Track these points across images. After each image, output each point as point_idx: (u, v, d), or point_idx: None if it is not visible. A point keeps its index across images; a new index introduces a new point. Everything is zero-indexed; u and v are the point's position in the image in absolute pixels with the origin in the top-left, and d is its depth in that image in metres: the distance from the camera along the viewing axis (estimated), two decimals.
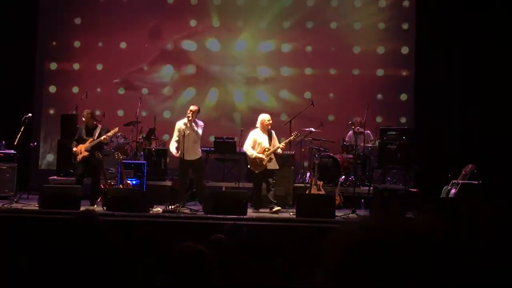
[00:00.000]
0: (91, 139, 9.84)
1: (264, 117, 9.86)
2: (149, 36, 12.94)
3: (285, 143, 9.84)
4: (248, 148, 9.79)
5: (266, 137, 9.79)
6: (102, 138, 9.82)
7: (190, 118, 9.67)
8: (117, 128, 10.06)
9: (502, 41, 11.32)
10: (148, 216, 8.95)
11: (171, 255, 2.75)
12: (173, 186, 10.45)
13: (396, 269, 1.14)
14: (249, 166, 9.96)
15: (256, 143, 9.78)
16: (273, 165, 9.82)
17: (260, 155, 9.67)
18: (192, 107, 9.87)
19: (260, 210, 9.69)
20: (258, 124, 9.89)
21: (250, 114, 12.13)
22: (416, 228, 1.21)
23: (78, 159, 9.89)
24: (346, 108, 12.46)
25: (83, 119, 10.09)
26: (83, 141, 9.90)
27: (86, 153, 9.79)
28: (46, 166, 12.60)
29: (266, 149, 9.69)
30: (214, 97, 12.92)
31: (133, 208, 8.91)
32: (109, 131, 9.90)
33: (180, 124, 9.85)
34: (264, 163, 9.68)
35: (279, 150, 9.82)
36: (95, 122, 10.13)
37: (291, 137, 9.94)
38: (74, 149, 9.93)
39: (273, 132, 9.93)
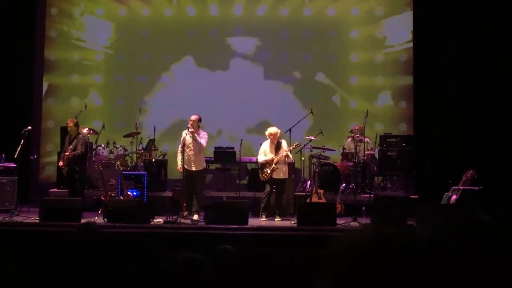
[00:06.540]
0: (67, 153, 9.86)
1: (271, 131, 9.94)
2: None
3: (287, 153, 9.86)
4: (259, 157, 10.05)
5: (273, 148, 9.90)
6: (75, 153, 9.82)
7: (191, 128, 9.66)
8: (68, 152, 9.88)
9: (500, 46, 11.34)
10: (149, 227, 8.93)
11: (170, 265, 2.75)
12: (173, 197, 10.42)
13: (396, 275, 1.14)
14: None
15: (266, 153, 9.95)
16: (278, 175, 9.86)
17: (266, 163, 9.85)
18: (193, 117, 9.83)
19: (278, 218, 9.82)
20: (267, 135, 10.02)
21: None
22: (416, 236, 1.21)
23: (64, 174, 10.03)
24: (345, 116, 12.48)
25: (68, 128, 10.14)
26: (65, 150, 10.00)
27: (65, 168, 9.93)
28: (46, 179, 12.57)
29: (273, 158, 9.81)
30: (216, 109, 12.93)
31: (134, 219, 8.88)
32: (79, 145, 9.87)
33: (183, 135, 9.84)
34: (268, 172, 9.77)
35: (287, 159, 9.88)
36: (78, 132, 10.14)
37: (291, 147, 10.02)
38: (60, 163, 10.03)
39: (282, 141, 10.03)
